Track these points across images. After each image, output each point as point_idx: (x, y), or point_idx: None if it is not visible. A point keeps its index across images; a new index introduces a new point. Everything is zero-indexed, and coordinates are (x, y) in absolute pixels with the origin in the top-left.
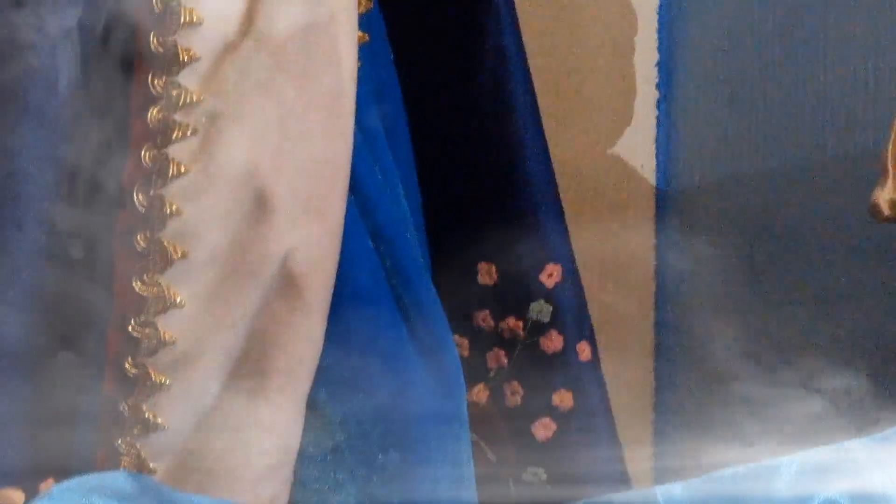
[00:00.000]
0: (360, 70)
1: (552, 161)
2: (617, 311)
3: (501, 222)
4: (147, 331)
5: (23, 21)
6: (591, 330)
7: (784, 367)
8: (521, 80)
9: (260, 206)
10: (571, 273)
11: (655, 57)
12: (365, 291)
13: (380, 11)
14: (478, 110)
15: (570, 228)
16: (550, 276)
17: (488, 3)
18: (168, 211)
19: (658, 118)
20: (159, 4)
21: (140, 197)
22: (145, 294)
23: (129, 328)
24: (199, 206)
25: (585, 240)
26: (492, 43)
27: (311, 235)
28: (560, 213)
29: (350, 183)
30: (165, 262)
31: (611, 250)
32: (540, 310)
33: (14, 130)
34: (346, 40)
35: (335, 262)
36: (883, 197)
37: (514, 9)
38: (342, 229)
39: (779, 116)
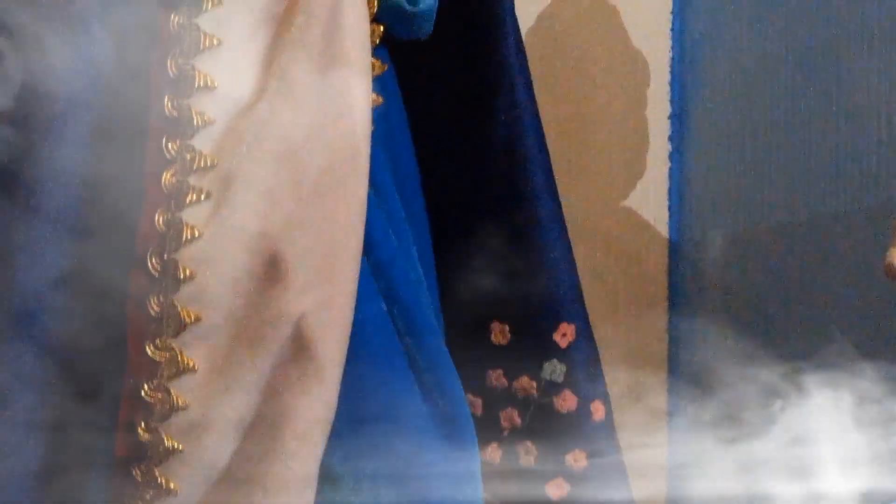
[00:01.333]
0: (373, 131)
1: (565, 214)
2: (630, 362)
3: (515, 281)
4: (160, 395)
5: (33, 92)
6: (605, 389)
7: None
8: (534, 136)
9: (273, 269)
10: (585, 332)
11: (668, 109)
12: (378, 354)
13: (394, 73)
14: (491, 168)
15: (582, 281)
16: (564, 335)
17: (501, 61)
18: (181, 275)
19: (670, 171)
20: (174, 68)
21: (154, 261)
22: (158, 359)
23: (142, 393)
24: (213, 271)
25: (598, 292)
26: (505, 100)
27: (324, 299)
28: (573, 272)
29: (363, 245)
30: (178, 326)
31: (623, 302)
32: (553, 369)
33: (27, 193)
34: (360, 103)
35: (348, 325)
36: None
37: (526, 66)
38: (355, 292)
39: (791, 170)
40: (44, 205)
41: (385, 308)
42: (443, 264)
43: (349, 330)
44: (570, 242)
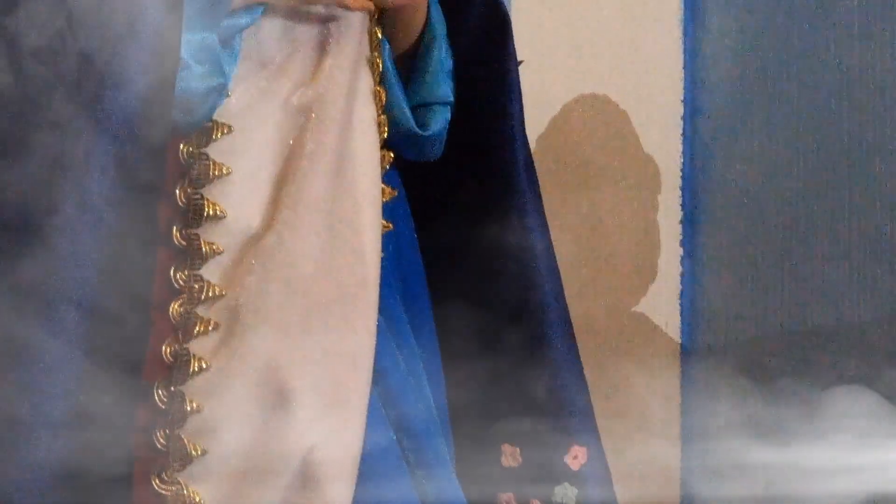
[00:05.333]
0: (382, 257)
1: (576, 319)
2: (644, 471)
3: (525, 403)
4: None
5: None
6: None
7: None
8: (544, 257)
9: (281, 402)
10: (597, 453)
11: (679, 214)
12: (387, 485)
13: (404, 196)
14: (501, 289)
15: (593, 384)
16: (575, 457)
17: (511, 182)
18: (188, 408)
19: (682, 275)
20: (183, 198)
21: (160, 392)
22: (165, 493)
23: None
24: (220, 403)
25: (610, 398)
26: (515, 222)
27: (333, 431)
28: (585, 392)
29: (372, 374)
30: (185, 459)
31: (636, 408)
32: (565, 493)
33: (36, 331)
34: (370, 232)
35: (357, 456)
36: None
37: (536, 184)
38: (365, 423)
39: (804, 276)
40: (51, 335)
41: (395, 438)
42: (453, 386)
43: (358, 462)
44: (580, 362)
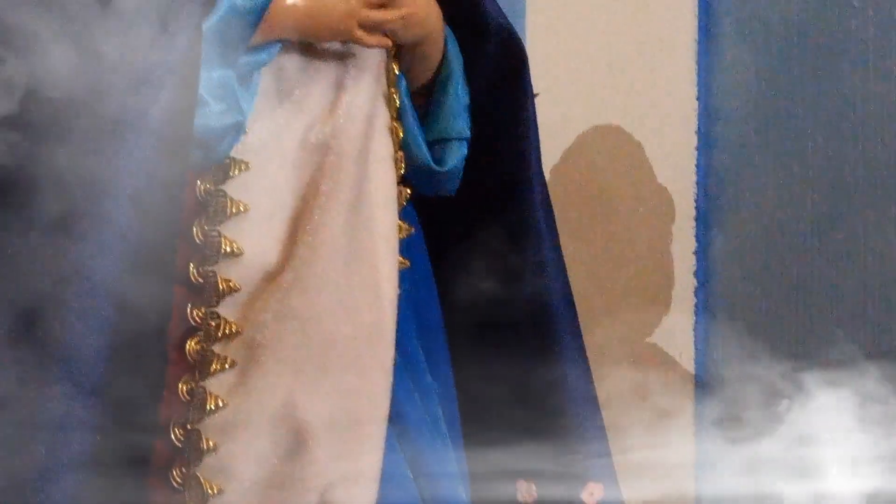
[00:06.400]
0: (399, 294)
1: (590, 349)
2: None
3: (541, 439)
4: None
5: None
6: None
7: None
8: (560, 294)
9: (297, 441)
10: (613, 489)
11: (693, 245)
12: None
13: (421, 232)
14: (517, 327)
15: (607, 418)
16: (592, 494)
17: (528, 220)
18: (205, 446)
19: (696, 306)
20: (200, 235)
21: (177, 431)
22: None
23: None
24: (236, 442)
25: (625, 431)
26: (532, 258)
27: (350, 470)
28: (601, 429)
29: (389, 412)
30: (201, 498)
31: (650, 442)
32: None
33: (53, 373)
34: (387, 269)
35: (374, 495)
36: None
37: (553, 221)
38: (381, 462)
39: (820, 308)
40: (69, 377)
41: (411, 477)
42: (469, 422)
43: (375, 500)
44: (597, 398)
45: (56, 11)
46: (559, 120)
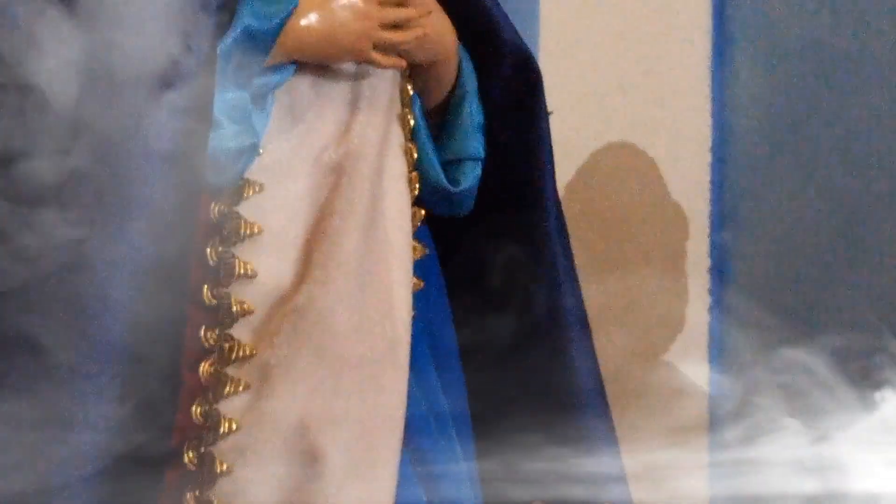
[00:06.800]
0: (414, 316)
1: (603, 366)
2: None
3: (557, 464)
4: None
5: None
6: None
7: None
8: (575, 315)
9: (311, 464)
10: None
11: (707, 263)
12: None
13: (435, 252)
14: (533, 347)
15: (621, 436)
16: None
17: (543, 238)
18: (218, 469)
19: (710, 325)
20: (214, 257)
21: (190, 454)
22: None
23: None
24: (250, 465)
25: (637, 450)
26: (546, 277)
27: (363, 493)
28: (617, 454)
29: (403, 434)
30: None
31: (664, 463)
32: None
33: (66, 389)
34: (401, 290)
35: None
36: None
37: (567, 240)
38: (395, 484)
39: (834, 327)
40: (81, 394)
41: (425, 499)
42: (482, 444)
43: None
44: (613, 423)
45: (70, 28)
46: (573, 137)
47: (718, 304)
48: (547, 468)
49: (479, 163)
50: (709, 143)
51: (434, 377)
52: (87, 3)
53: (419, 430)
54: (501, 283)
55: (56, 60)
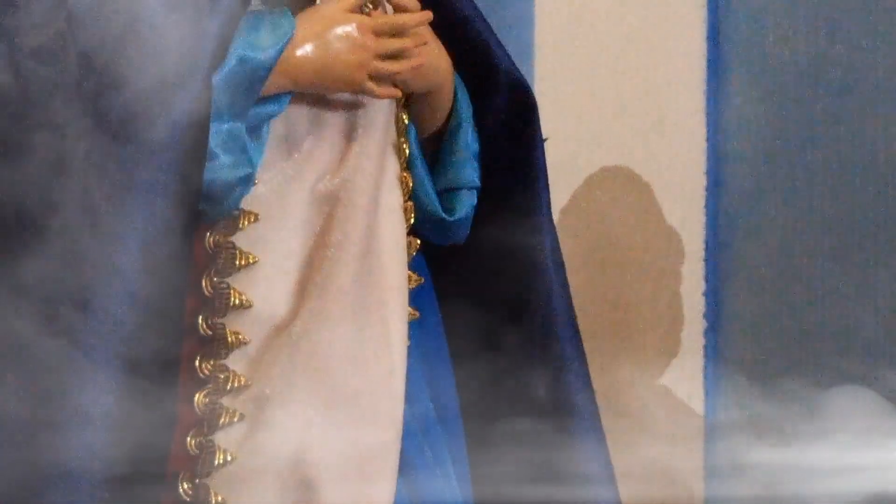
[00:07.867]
0: (409, 346)
1: (598, 390)
2: None
3: (553, 483)
4: None
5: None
6: None
7: None
8: (570, 344)
9: (307, 494)
10: None
11: (702, 286)
12: None
13: (430, 282)
14: (527, 377)
15: (616, 459)
16: None
17: (538, 267)
18: (213, 500)
19: (706, 348)
20: (209, 287)
21: (185, 485)
22: None
23: None
24: (245, 496)
25: (633, 472)
26: (541, 306)
27: None
28: (609, 469)
29: (399, 465)
30: None
31: (659, 483)
32: None
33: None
34: (396, 320)
35: None
36: None
37: (562, 268)
38: None
39: (830, 347)
40: (79, 429)
41: None
42: (478, 472)
43: None
44: (606, 444)
45: (66, 55)
46: (568, 161)
47: (713, 329)
48: (541, 494)
49: (475, 191)
50: (704, 168)
51: (430, 407)
52: (88, 31)
53: (414, 460)
54: (497, 312)
55: (50, 86)
